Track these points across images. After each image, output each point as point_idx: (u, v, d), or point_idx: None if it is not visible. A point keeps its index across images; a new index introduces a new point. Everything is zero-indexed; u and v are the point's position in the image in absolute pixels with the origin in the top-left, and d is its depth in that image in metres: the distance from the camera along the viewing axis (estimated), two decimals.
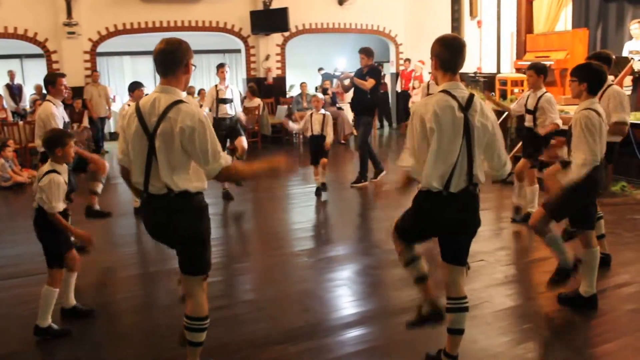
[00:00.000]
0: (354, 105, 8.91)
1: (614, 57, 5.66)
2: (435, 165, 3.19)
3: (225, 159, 3.12)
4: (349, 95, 9.84)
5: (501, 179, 3.43)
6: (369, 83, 8.66)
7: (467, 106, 3.19)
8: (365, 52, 8.83)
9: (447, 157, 3.19)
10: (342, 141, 13.30)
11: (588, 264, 4.35)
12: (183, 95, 3.20)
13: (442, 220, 3.33)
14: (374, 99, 8.98)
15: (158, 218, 3.24)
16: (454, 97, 3.20)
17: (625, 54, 9.33)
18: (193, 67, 3.28)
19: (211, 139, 3.07)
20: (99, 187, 6.48)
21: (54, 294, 4.17)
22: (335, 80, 10.37)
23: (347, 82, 9.21)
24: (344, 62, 17.66)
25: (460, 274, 3.50)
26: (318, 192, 8.49)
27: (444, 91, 3.23)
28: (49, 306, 4.16)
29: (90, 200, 6.51)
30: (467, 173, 3.23)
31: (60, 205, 4.12)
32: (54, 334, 4.17)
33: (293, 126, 9.14)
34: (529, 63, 11.22)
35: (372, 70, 8.82)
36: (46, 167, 4.20)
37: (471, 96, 3.24)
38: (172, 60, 3.16)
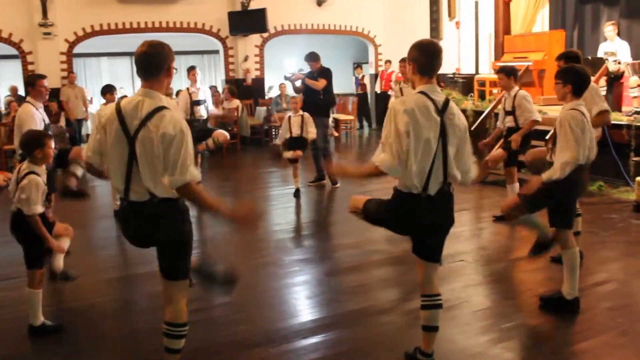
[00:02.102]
0: (306, 106, 8.92)
1: (582, 56, 5.83)
2: (414, 164, 3.19)
3: (192, 175, 3.01)
4: None
5: (468, 184, 3.46)
6: (321, 83, 8.75)
7: (443, 109, 3.23)
8: (311, 58, 8.92)
9: (424, 157, 3.20)
10: None
11: (568, 265, 4.33)
12: (164, 99, 3.14)
13: (420, 224, 3.34)
14: (327, 99, 9.02)
15: (140, 224, 3.18)
16: (431, 99, 3.23)
17: (600, 55, 9.44)
18: (175, 70, 3.23)
19: (186, 151, 3.00)
20: (79, 170, 6.30)
21: (36, 295, 4.19)
22: (287, 82, 10.40)
23: (298, 83, 9.20)
24: (294, 63, 17.66)
25: (435, 271, 3.52)
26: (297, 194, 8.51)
27: (422, 92, 3.26)
28: (35, 307, 4.20)
29: (68, 180, 6.36)
30: (443, 174, 3.27)
31: (39, 208, 4.06)
32: (47, 329, 4.23)
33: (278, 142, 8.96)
34: (507, 64, 11.36)
35: (323, 71, 8.90)
36: (24, 167, 4.13)
37: (447, 100, 3.30)
38: (154, 64, 3.10)
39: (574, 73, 4.34)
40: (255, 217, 3.29)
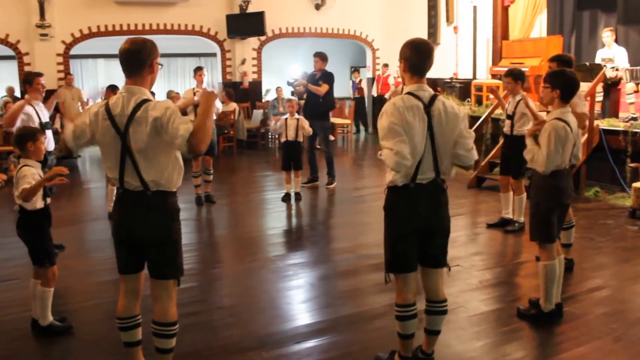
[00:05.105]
0: (307, 110, 8.96)
1: (575, 62, 5.78)
2: None
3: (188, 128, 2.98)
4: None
5: (469, 164, 3.48)
6: (323, 88, 8.90)
7: (429, 104, 3.29)
8: (320, 56, 9.09)
9: (414, 155, 3.26)
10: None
11: (543, 278, 4.25)
12: (149, 94, 3.22)
13: (415, 214, 3.34)
14: (327, 103, 9.14)
15: (132, 215, 3.21)
16: (418, 97, 3.29)
17: (597, 61, 9.44)
18: (159, 66, 3.28)
19: (180, 119, 3.03)
20: None
21: (48, 293, 4.20)
22: (290, 87, 10.45)
23: (300, 88, 9.26)
24: (298, 68, 17.66)
25: (439, 277, 3.52)
26: (287, 198, 8.51)
27: (409, 93, 3.32)
28: (46, 306, 4.20)
29: None
30: (434, 167, 3.33)
31: (26, 186, 4.01)
32: (57, 331, 4.23)
33: (273, 125, 9.01)
34: (504, 69, 11.37)
35: (325, 75, 9.02)
36: (20, 163, 4.19)
37: (434, 96, 3.33)
38: (137, 61, 3.16)
39: (565, 78, 4.21)
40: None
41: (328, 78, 9.02)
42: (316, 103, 8.93)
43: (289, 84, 9.81)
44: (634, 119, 8.41)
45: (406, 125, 3.21)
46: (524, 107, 6.25)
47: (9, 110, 5.89)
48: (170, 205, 3.25)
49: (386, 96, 13.61)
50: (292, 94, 12.59)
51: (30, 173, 4.06)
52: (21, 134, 4.26)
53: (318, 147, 9.78)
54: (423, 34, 14.13)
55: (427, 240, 3.42)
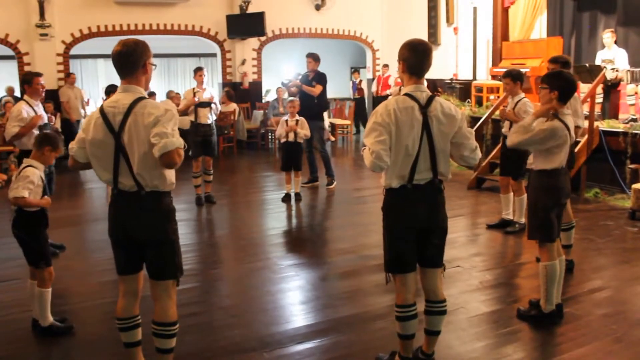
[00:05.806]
0: (301, 111, 8.97)
1: (572, 62, 5.85)
2: (395, 165, 3.29)
3: (172, 142, 3.02)
4: None
5: (474, 164, 3.50)
6: (317, 89, 9.04)
7: (427, 105, 3.29)
8: (313, 56, 9.21)
9: (407, 157, 3.28)
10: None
11: (543, 278, 4.25)
12: (145, 93, 3.24)
13: (412, 214, 3.36)
14: (321, 103, 9.26)
15: (128, 215, 3.22)
16: (414, 99, 3.29)
17: (597, 62, 9.45)
18: (153, 67, 3.30)
19: (174, 124, 3.09)
20: None
21: (46, 294, 4.20)
22: (284, 88, 10.54)
23: (293, 89, 9.32)
24: (292, 68, 17.69)
25: (438, 277, 3.53)
26: (287, 199, 8.52)
27: (406, 94, 3.33)
28: (45, 307, 4.20)
29: None
30: (432, 167, 3.33)
31: (24, 192, 4.04)
32: (58, 331, 4.23)
33: (281, 131, 8.99)
34: (504, 70, 11.39)
35: (318, 75, 9.13)
36: (25, 161, 4.22)
37: (431, 97, 3.34)
38: (129, 63, 3.17)
39: (563, 79, 4.17)
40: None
41: (321, 78, 9.11)
42: (310, 104, 8.98)
43: (282, 84, 9.85)
44: (634, 120, 8.41)
45: (394, 127, 3.23)
46: (522, 107, 6.27)
47: (22, 120, 5.83)
48: (165, 206, 3.26)
49: (388, 92, 13.70)
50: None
51: (34, 177, 4.09)
52: (47, 137, 4.31)
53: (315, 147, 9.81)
54: (423, 35, 14.14)
55: (425, 240, 3.42)
